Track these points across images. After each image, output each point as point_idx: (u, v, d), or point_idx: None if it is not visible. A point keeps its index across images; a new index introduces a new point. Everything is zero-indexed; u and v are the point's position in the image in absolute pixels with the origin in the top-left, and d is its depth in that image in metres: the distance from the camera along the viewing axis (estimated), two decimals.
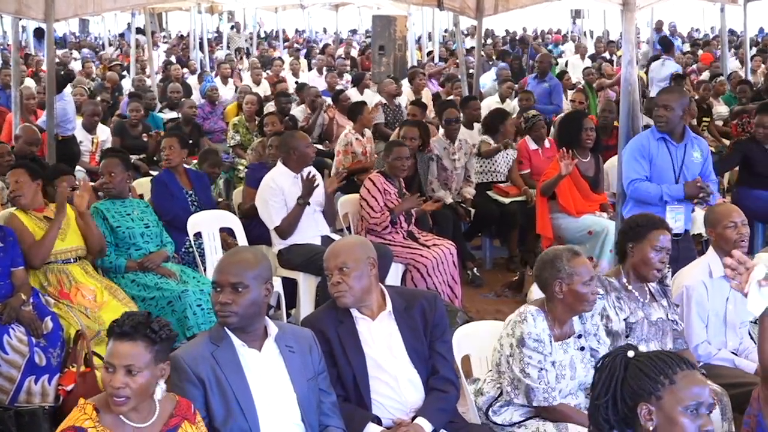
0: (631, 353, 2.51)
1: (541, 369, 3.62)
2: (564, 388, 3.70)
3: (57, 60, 11.55)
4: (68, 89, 9.71)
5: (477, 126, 8.90)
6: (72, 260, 5.23)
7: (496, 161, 8.06)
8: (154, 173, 8.37)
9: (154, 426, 2.87)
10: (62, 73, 11.02)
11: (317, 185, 6.21)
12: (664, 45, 13.87)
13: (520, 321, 3.67)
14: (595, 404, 2.52)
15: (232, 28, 26.37)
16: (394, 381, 3.58)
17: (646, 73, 13.18)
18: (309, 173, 6.23)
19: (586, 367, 3.75)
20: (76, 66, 17.71)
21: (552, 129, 9.12)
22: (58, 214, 5.15)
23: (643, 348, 4.03)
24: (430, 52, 19.50)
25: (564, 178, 6.47)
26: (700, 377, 2.47)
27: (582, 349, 3.76)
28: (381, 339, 3.60)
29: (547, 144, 8.01)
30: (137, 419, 2.84)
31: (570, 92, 11.51)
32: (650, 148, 5.51)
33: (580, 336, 3.77)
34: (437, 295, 3.86)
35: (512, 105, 11.26)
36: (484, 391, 3.86)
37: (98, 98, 10.94)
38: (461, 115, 8.41)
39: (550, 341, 3.66)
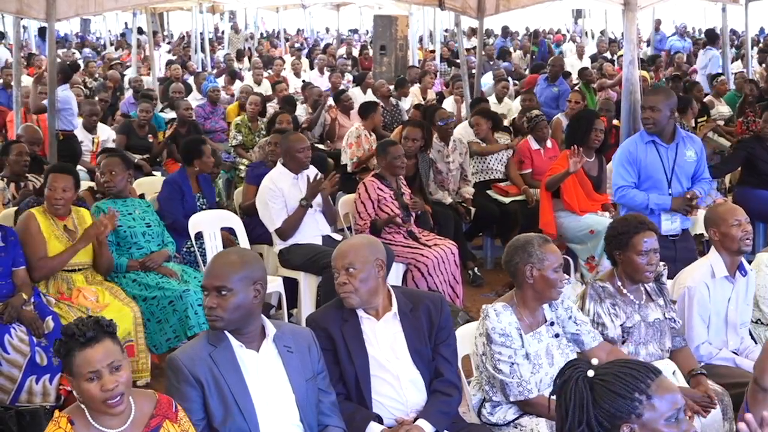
0: (590, 372, 2.40)
1: (513, 363, 3.64)
2: (544, 377, 3.71)
3: (59, 59, 11.52)
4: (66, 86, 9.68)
5: None
6: (76, 270, 5.22)
7: (487, 159, 8.07)
8: (157, 173, 8.40)
9: (134, 427, 2.82)
10: (68, 63, 11.00)
11: (323, 189, 6.24)
12: (710, 37, 14.94)
13: (484, 318, 3.71)
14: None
15: (231, 28, 26.40)
16: (396, 381, 3.59)
17: (654, 71, 13.27)
18: (316, 175, 6.25)
19: (564, 353, 3.77)
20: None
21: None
22: (78, 243, 5.10)
23: (642, 351, 4.05)
24: (431, 52, 19.51)
25: (570, 176, 6.48)
26: (669, 382, 2.41)
27: (557, 336, 3.78)
28: (385, 340, 3.60)
29: (549, 144, 8.01)
30: (114, 424, 2.79)
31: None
32: (638, 153, 5.51)
33: (552, 324, 3.79)
34: (443, 298, 3.85)
35: (509, 105, 11.26)
36: (471, 395, 3.89)
37: (96, 98, 10.93)
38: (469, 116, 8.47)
39: (520, 334, 3.68)
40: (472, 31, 19.11)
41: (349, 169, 8.44)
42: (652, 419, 2.34)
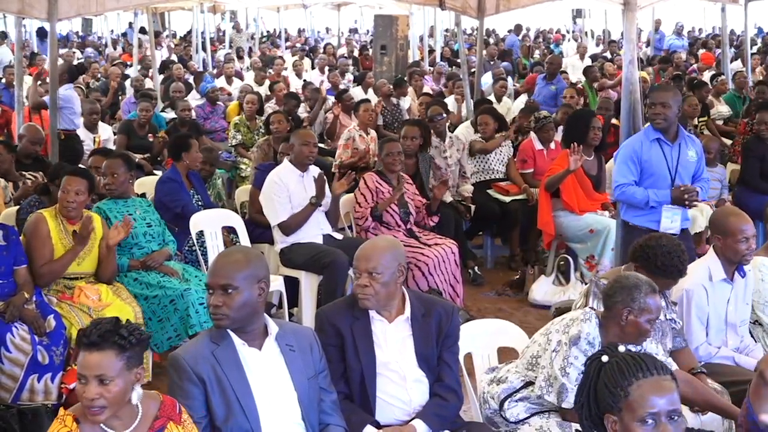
0: (605, 358, 2.47)
1: (582, 372, 3.59)
2: None
3: (61, 59, 11.52)
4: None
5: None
6: (79, 278, 5.22)
7: (488, 159, 8.09)
8: (158, 173, 8.41)
9: (138, 430, 2.83)
10: (74, 64, 11.01)
11: (337, 188, 6.31)
12: None
13: (584, 320, 3.62)
14: (575, 408, 2.53)
15: (233, 27, 26.40)
16: (402, 381, 3.61)
17: (656, 71, 13.23)
18: (320, 174, 6.28)
19: None
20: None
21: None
22: (77, 245, 5.07)
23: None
24: (431, 51, 19.52)
25: (570, 175, 6.49)
26: (659, 385, 2.39)
27: None
28: (394, 342, 3.62)
29: (552, 146, 8.01)
30: (119, 426, 2.80)
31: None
32: (642, 151, 5.50)
33: None
34: (455, 307, 3.86)
35: (508, 104, 11.27)
36: (507, 380, 3.84)
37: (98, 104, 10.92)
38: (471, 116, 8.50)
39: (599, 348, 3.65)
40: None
41: (333, 170, 8.27)
42: (628, 417, 2.38)
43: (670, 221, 5.52)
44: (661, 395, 2.37)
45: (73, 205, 5.10)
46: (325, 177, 6.31)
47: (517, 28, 23.61)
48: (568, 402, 3.58)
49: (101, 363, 2.72)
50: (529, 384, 3.78)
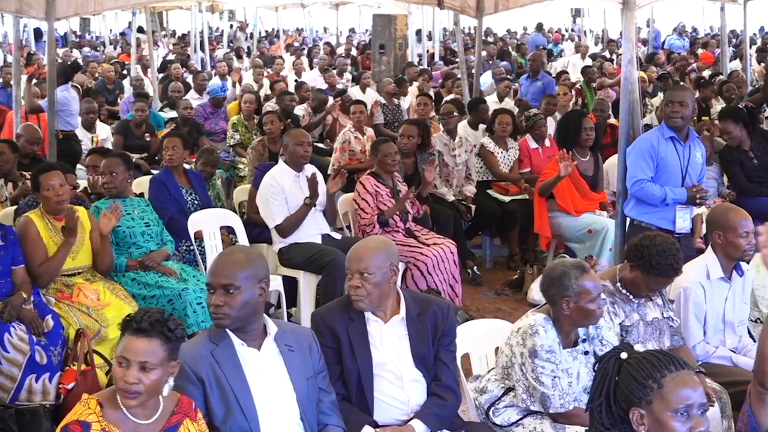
0: (624, 355, 2.51)
1: (555, 377, 3.61)
2: (570, 393, 3.70)
3: (58, 59, 11.50)
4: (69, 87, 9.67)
5: (482, 127, 8.87)
6: (77, 273, 5.21)
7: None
8: (156, 172, 8.40)
9: (157, 423, 2.89)
10: (69, 63, 10.97)
11: (331, 187, 6.29)
12: None
13: (532, 334, 3.64)
14: (591, 407, 2.55)
15: (231, 26, 26.37)
16: (399, 381, 3.61)
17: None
18: (313, 174, 6.25)
19: (589, 372, 3.72)
20: None
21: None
22: (68, 239, 5.06)
23: (640, 348, 4.04)
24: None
25: (562, 180, 6.50)
26: (691, 378, 2.46)
27: (586, 353, 3.75)
28: (390, 342, 3.62)
29: (547, 143, 8.02)
30: (141, 415, 2.86)
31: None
32: (659, 147, 5.53)
33: (584, 340, 3.77)
34: (451, 306, 3.85)
35: (509, 104, 11.26)
36: (488, 390, 3.86)
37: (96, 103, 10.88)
38: (468, 116, 8.50)
39: (560, 349, 3.66)
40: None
41: (329, 171, 8.18)
42: (660, 408, 2.42)
43: (683, 221, 5.55)
44: (693, 388, 2.45)
45: (64, 197, 5.10)
46: (319, 177, 6.28)
47: (539, 26, 23.63)
48: (554, 407, 3.62)
49: (147, 349, 2.80)
50: (510, 390, 3.80)
